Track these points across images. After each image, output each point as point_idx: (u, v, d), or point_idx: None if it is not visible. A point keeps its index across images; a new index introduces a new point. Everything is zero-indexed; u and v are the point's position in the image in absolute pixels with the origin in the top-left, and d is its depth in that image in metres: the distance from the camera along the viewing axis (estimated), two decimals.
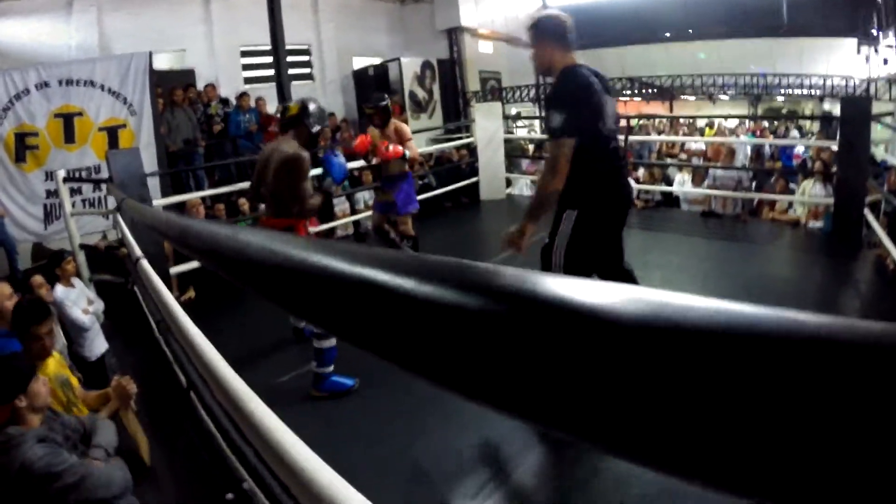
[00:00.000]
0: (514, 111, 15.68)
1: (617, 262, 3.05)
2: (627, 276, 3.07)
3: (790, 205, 7.16)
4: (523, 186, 9.81)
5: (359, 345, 0.46)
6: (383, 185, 5.59)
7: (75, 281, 4.74)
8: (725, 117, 13.17)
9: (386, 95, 5.63)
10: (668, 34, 17.85)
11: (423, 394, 3.05)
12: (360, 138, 5.44)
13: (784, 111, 17.52)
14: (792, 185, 7.59)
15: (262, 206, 4.15)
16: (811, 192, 6.75)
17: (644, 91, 17.94)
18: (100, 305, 4.83)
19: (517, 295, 0.31)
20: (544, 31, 2.89)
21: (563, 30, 2.87)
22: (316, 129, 3.72)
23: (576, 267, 2.83)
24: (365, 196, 8.14)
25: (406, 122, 12.15)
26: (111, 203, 6.29)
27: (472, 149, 9.29)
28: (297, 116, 3.66)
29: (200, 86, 9.57)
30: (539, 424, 0.31)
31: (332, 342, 3.43)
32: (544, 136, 11.60)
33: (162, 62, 9.49)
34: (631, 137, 6.25)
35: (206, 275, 5.63)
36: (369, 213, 6.57)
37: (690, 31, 17.59)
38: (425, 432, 3.00)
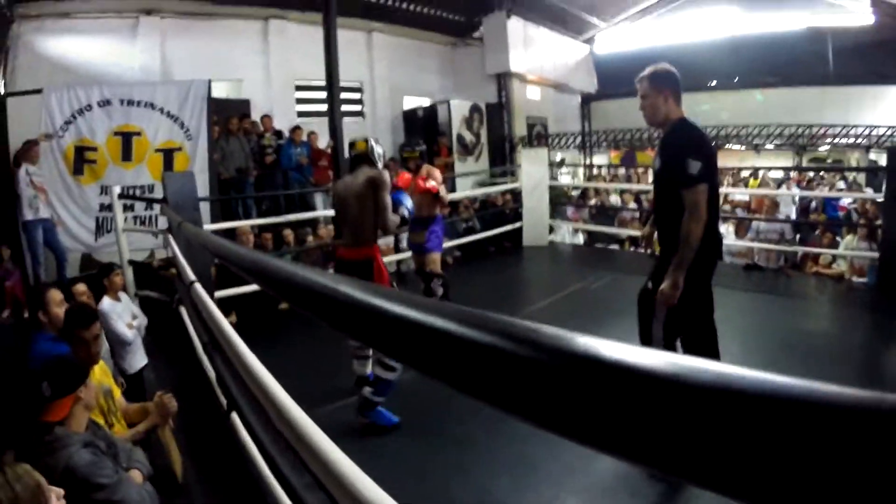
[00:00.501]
0: (558, 157, 15.77)
1: (712, 311, 3.08)
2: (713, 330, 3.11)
3: (834, 258, 7.05)
4: (566, 234, 9.80)
5: (428, 373, 0.54)
6: (414, 226, 5.51)
7: (122, 295, 4.85)
8: (770, 169, 13.01)
9: (422, 141, 5.87)
10: (714, 83, 17.83)
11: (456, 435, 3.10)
12: (402, 174, 5.58)
13: (829, 161, 17.26)
14: (837, 238, 7.48)
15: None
16: (853, 246, 6.65)
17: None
18: (143, 321, 4.93)
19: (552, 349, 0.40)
20: (663, 83, 3.01)
21: (678, 83, 3.02)
22: (380, 165, 3.98)
23: (693, 314, 2.96)
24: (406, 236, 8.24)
25: (453, 164, 12.36)
26: (161, 222, 6.48)
27: (516, 194, 9.35)
28: (366, 153, 3.93)
29: (255, 116, 9.84)
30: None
31: (395, 376, 3.56)
32: (588, 185, 11.63)
33: (219, 90, 9.76)
34: None
35: (248, 300, 5.77)
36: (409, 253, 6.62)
37: (737, 79, 17.53)
38: (462, 469, 3.07)
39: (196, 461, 3.30)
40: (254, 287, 5.63)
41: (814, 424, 0.28)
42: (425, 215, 5.52)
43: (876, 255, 6.12)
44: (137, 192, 7.24)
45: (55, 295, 3.48)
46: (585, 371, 0.37)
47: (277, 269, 0.88)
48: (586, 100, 19.21)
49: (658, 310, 3.00)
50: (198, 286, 2.37)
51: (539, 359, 0.41)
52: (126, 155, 7.34)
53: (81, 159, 7.17)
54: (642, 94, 3.07)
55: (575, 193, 11.47)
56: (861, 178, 12.96)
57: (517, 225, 8.94)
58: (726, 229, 8.03)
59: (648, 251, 3.84)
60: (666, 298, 2.90)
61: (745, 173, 13.16)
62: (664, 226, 3.15)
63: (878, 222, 6.31)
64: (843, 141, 15.35)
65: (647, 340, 3.17)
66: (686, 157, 2.84)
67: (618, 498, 2.84)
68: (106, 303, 4.54)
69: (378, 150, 4.01)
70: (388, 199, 3.86)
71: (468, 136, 13.25)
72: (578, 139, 17.48)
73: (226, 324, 1.86)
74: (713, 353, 2.98)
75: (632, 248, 9.22)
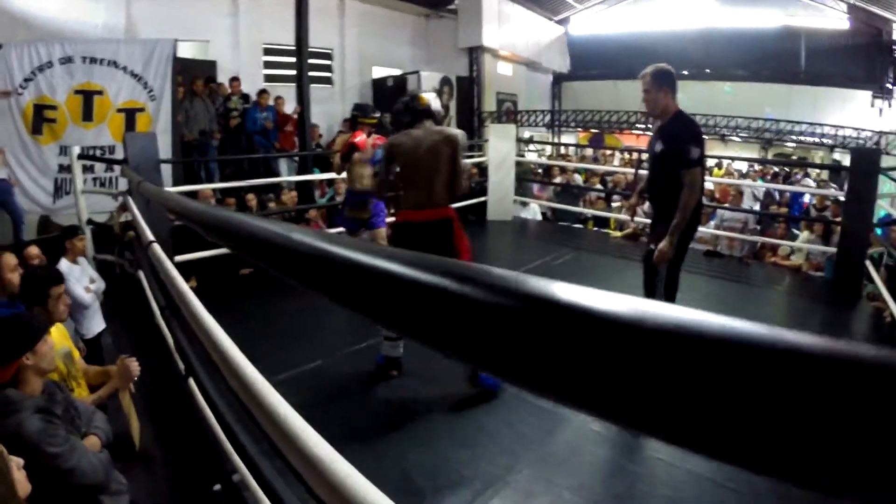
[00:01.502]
0: (527, 135, 15.79)
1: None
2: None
3: (792, 250, 7.22)
4: (536, 211, 9.82)
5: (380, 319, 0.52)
6: (354, 201, 5.23)
7: (80, 259, 4.76)
8: (736, 159, 13.23)
9: (378, 111, 5.51)
10: (686, 72, 18.00)
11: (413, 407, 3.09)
12: (356, 133, 5.08)
13: (794, 157, 17.62)
14: (794, 231, 7.65)
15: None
16: (810, 240, 6.83)
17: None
18: (101, 285, 4.85)
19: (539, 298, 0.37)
20: (664, 80, 3.52)
21: (675, 80, 3.57)
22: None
23: (675, 267, 3.66)
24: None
25: None
26: (121, 184, 6.32)
27: (482, 168, 9.34)
28: (429, 109, 3.72)
29: (221, 78, 9.65)
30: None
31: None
32: (555, 162, 11.68)
33: (185, 51, 9.55)
34: (641, 171, 6.28)
35: (208, 265, 5.68)
36: None
37: (708, 70, 17.73)
38: (420, 441, 3.11)
39: (154, 427, 3.26)
40: (214, 251, 5.57)
41: (787, 372, 0.27)
42: (367, 187, 5.19)
43: (833, 250, 6.27)
44: (98, 153, 7.05)
45: (9, 259, 3.41)
46: (538, 312, 0.35)
47: (237, 222, 0.84)
48: (558, 79, 19.32)
49: (660, 268, 3.62)
50: (156, 246, 2.31)
51: (492, 301, 0.38)
52: (87, 114, 7.14)
53: (41, 118, 6.96)
54: (645, 88, 3.53)
55: (541, 171, 11.50)
56: (824, 175, 13.27)
57: (482, 199, 8.92)
58: None
59: (633, 218, 4.43)
60: (663, 255, 3.48)
61: (710, 162, 13.34)
62: (660, 199, 3.66)
63: (837, 219, 6.45)
64: (810, 140, 15.68)
65: (650, 294, 3.85)
66: (688, 144, 3.41)
67: (572, 467, 2.90)
68: (63, 265, 4.47)
69: (436, 105, 3.80)
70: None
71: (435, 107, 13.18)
72: (548, 117, 17.53)
73: (184, 285, 1.81)
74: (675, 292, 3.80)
75: (595, 228, 9.29)
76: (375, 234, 5.27)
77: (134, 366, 2.99)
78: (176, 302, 1.86)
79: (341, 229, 5.47)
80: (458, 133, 3.66)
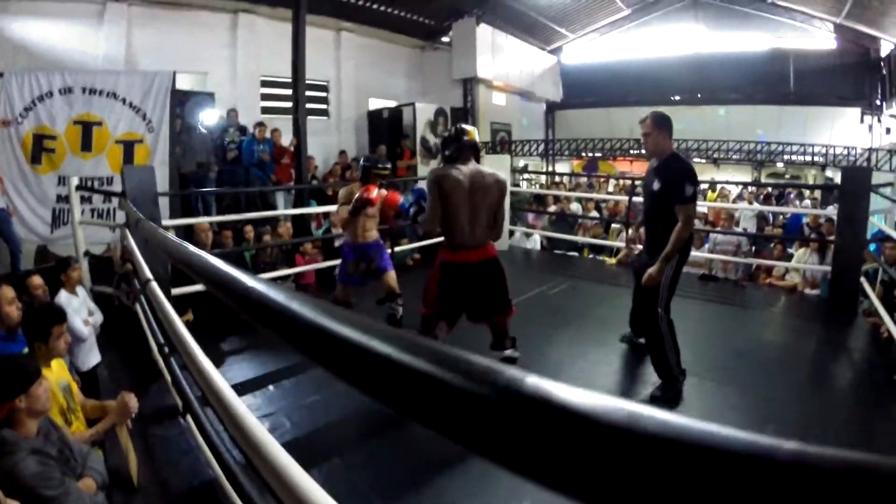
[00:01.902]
0: (521, 164, 15.88)
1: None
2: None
3: (787, 270, 7.25)
4: (536, 240, 9.80)
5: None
6: (359, 256, 5.00)
7: (78, 289, 4.75)
8: (728, 183, 13.34)
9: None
10: (677, 97, 18.19)
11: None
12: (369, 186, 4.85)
13: (786, 178, 17.74)
14: (790, 251, 7.69)
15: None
16: (804, 260, 6.86)
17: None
18: (99, 317, 4.82)
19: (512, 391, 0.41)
20: (663, 124, 3.90)
21: (671, 124, 3.95)
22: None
23: (669, 295, 4.01)
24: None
25: (416, 166, 12.39)
26: (119, 216, 6.34)
27: None
28: (476, 144, 3.61)
29: (219, 109, 9.74)
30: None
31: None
32: (549, 192, 11.74)
33: (184, 83, 9.64)
34: (635, 199, 6.31)
35: (206, 296, 5.68)
36: None
37: (700, 95, 17.92)
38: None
39: (152, 463, 3.24)
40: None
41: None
42: (371, 240, 5.07)
43: (828, 268, 6.31)
44: (96, 184, 7.05)
45: (7, 292, 3.35)
46: (511, 403, 0.39)
47: (231, 279, 0.87)
48: (551, 108, 19.45)
49: (661, 294, 3.96)
50: (154, 285, 2.33)
51: (471, 389, 0.42)
52: (86, 145, 7.15)
53: (40, 147, 6.97)
54: (646, 132, 3.93)
55: (535, 200, 11.54)
56: (817, 194, 13.35)
57: None
58: None
59: (636, 250, 4.88)
60: (650, 279, 3.87)
61: (703, 186, 13.43)
62: (655, 231, 4.02)
63: (831, 238, 6.50)
64: (801, 158, 15.81)
65: (636, 319, 4.66)
66: (684, 182, 3.77)
67: None
68: (63, 297, 4.44)
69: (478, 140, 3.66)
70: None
71: (432, 140, 13.30)
72: (542, 146, 17.66)
73: (181, 326, 1.83)
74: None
75: (591, 256, 9.31)
76: (385, 278, 5.01)
77: (133, 402, 2.98)
78: (172, 340, 1.87)
79: (338, 261, 5.39)
80: (503, 178, 3.57)
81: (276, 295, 0.72)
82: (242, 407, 1.13)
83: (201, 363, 1.45)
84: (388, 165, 5.11)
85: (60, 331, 2.91)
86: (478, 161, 3.62)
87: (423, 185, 3.68)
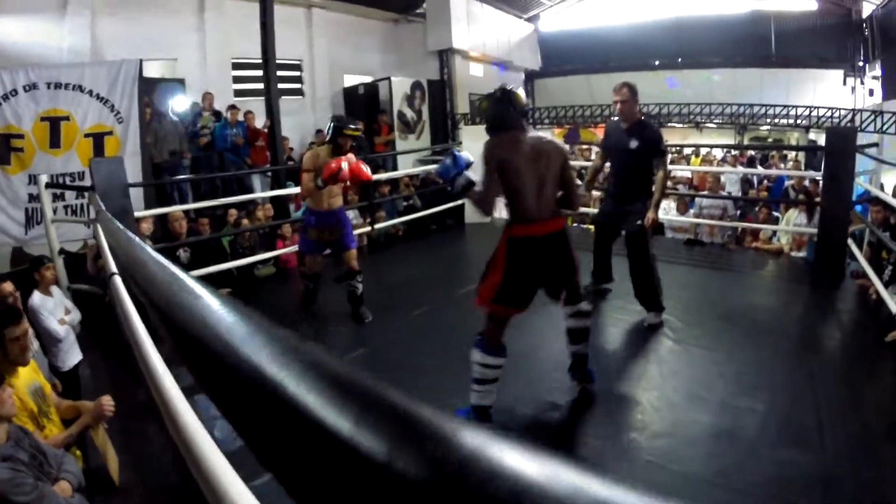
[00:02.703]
0: None
1: None
2: None
3: (774, 233, 7.22)
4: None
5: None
6: (321, 222, 4.95)
7: (53, 289, 4.66)
8: (712, 146, 13.27)
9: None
10: (657, 62, 18.08)
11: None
12: (340, 160, 4.70)
13: (770, 141, 17.72)
14: (776, 214, 7.66)
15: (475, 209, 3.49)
16: (794, 222, 6.81)
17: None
18: (76, 315, 4.75)
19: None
20: (635, 93, 4.64)
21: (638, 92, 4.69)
22: None
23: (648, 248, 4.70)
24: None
25: (394, 141, 12.26)
26: (93, 211, 6.21)
27: None
28: (525, 109, 3.41)
29: (190, 95, 9.55)
30: None
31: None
32: None
33: (154, 70, 9.46)
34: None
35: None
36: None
37: (680, 59, 17.82)
38: None
39: (134, 461, 3.19)
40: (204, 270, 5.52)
41: None
42: (336, 207, 4.99)
43: (814, 230, 6.28)
44: (68, 181, 6.91)
45: None
46: None
47: (151, 270, 0.79)
48: (530, 77, 19.31)
49: (649, 235, 4.69)
50: (117, 279, 2.22)
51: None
52: (54, 141, 6.96)
53: (8, 147, 6.77)
54: (623, 99, 4.59)
55: None
56: (801, 157, 13.37)
57: (459, 202, 8.85)
58: (668, 205, 8.13)
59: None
60: (652, 222, 4.59)
61: (687, 150, 13.41)
62: (631, 182, 4.78)
63: (817, 199, 6.47)
64: (784, 121, 15.79)
65: (600, 259, 5.34)
66: (660, 139, 4.67)
67: None
68: (36, 298, 4.37)
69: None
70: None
71: (409, 114, 13.16)
72: None
73: (136, 322, 1.74)
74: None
75: (574, 224, 9.25)
76: (347, 255, 5.02)
77: (108, 407, 2.91)
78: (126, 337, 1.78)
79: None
80: (562, 143, 3.42)
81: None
82: (189, 412, 1.04)
83: (151, 360, 1.37)
84: (359, 125, 4.97)
85: (15, 333, 2.79)
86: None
87: (461, 152, 3.41)
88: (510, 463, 0.32)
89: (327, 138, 4.88)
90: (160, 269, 1.21)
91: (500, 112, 3.30)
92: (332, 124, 4.89)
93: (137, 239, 2.04)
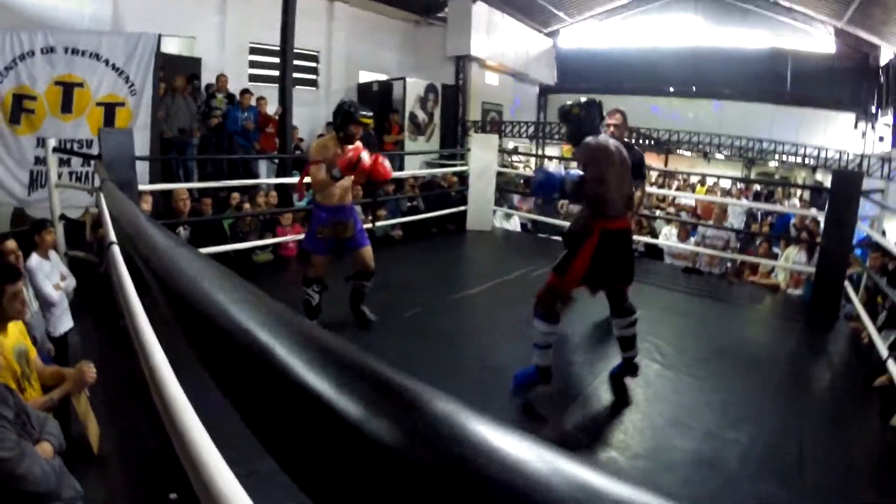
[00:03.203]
0: (511, 145, 15.77)
1: None
2: None
3: (773, 269, 7.22)
4: (516, 222, 9.76)
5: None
6: (333, 218, 4.48)
7: (51, 254, 4.65)
8: (719, 177, 13.29)
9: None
10: (671, 89, 18.12)
11: None
12: (359, 150, 4.29)
13: (777, 177, 17.76)
14: (775, 250, 7.66)
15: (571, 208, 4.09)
16: (794, 259, 6.81)
17: (641, 142, 18.23)
18: (72, 282, 4.74)
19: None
20: (626, 119, 4.84)
21: None
22: None
23: None
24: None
25: (403, 142, 12.28)
26: (97, 180, 6.20)
27: (463, 177, 9.28)
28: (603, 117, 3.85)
29: (206, 75, 9.57)
30: None
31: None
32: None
33: (171, 47, 9.48)
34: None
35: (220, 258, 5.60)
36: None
37: (695, 88, 17.86)
38: None
39: (116, 431, 3.18)
40: (203, 250, 5.46)
41: None
42: (349, 202, 4.61)
43: (813, 269, 6.27)
44: (75, 147, 6.92)
45: None
46: None
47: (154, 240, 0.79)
48: (544, 91, 19.34)
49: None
50: (115, 248, 2.22)
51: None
52: (66, 106, 6.97)
53: (19, 108, 6.79)
54: (616, 122, 4.71)
55: (523, 182, 11.49)
56: (806, 195, 13.38)
57: (462, 208, 8.86)
58: (669, 231, 8.14)
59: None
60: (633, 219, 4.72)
61: (693, 179, 13.43)
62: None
63: (817, 239, 6.48)
64: (792, 159, 15.82)
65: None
66: (643, 162, 5.18)
67: None
68: (34, 260, 4.36)
69: None
70: None
71: (421, 116, 13.20)
72: (532, 129, 17.56)
73: (132, 293, 1.73)
74: None
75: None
76: (363, 253, 4.62)
77: (90, 371, 2.91)
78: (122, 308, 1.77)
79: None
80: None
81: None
82: (177, 388, 1.04)
83: (142, 330, 1.36)
84: (370, 113, 4.53)
85: (13, 290, 2.80)
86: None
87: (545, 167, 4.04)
88: (477, 428, 0.34)
89: (336, 124, 4.42)
90: (162, 236, 1.21)
91: (591, 118, 3.68)
92: (344, 109, 4.39)
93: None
